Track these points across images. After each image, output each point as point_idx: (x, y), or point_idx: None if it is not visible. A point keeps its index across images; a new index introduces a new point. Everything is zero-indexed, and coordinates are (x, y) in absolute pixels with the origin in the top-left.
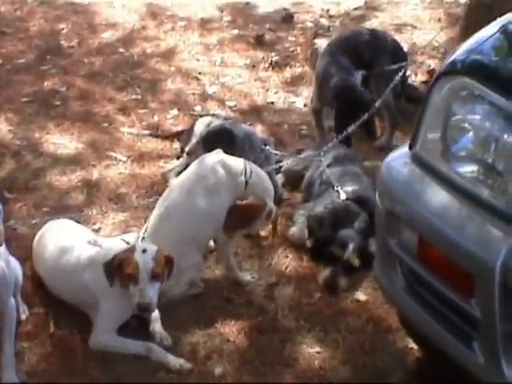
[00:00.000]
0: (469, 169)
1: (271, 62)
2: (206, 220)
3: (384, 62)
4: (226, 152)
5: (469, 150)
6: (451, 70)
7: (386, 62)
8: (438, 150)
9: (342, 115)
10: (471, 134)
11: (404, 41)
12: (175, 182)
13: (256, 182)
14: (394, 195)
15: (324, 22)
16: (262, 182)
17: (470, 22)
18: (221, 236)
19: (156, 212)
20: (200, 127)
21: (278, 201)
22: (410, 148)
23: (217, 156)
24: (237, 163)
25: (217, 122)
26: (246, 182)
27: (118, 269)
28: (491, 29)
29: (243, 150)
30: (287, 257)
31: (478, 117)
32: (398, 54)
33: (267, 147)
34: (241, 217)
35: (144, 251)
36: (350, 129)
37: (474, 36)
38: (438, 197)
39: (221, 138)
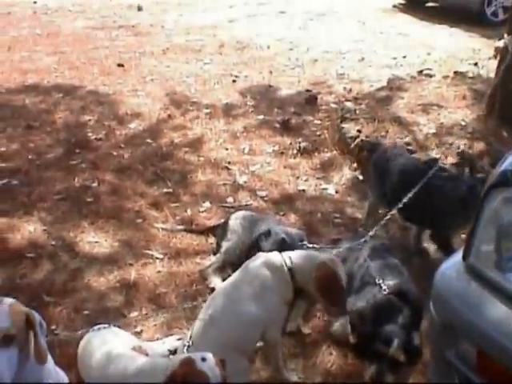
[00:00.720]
0: None
1: (299, 147)
2: (252, 326)
3: None
4: None
5: None
6: (502, 181)
7: None
8: (492, 261)
9: None
10: None
11: (431, 121)
12: (219, 289)
13: (301, 264)
14: (450, 307)
15: (349, 104)
16: (307, 260)
17: (496, 100)
18: (273, 336)
19: (200, 318)
20: (234, 222)
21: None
22: (464, 258)
23: (259, 259)
24: (276, 257)
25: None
26: (290, 270)
27: None
28: None
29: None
30: (331, 354)
31: None
32: None
33: (304, 242)
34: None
35: (204, 360)
36: None
37: None
38: (495, 309)
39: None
